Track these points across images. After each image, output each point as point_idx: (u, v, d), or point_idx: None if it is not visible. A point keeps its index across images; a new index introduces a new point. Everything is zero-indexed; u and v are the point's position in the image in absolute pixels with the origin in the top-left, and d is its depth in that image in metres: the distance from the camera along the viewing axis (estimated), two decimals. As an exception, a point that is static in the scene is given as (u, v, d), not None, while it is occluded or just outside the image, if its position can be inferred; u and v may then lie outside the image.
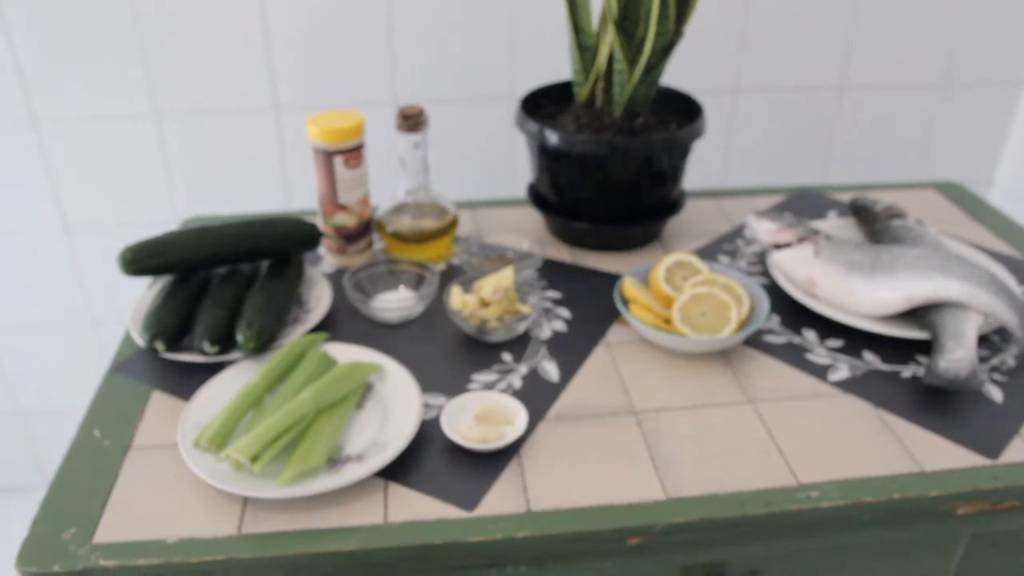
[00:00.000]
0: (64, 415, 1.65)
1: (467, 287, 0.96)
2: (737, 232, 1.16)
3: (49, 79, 1.36)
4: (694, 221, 1.19)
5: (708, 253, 1.11)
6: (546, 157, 1.06)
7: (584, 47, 1.03)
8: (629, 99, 1.03)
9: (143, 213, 1.49)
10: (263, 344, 0.88)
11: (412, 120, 1.00)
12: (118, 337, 1.52)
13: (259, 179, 1.48)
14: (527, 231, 1.12)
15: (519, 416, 0.81)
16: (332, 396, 0.80)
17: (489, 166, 1.49)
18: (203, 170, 1.46)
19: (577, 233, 1.09)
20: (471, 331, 0.92)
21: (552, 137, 1.02)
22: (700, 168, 1.53)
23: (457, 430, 0.79)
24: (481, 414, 0.81)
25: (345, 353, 0.89)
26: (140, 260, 0.91)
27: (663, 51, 0.99)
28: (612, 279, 1.04)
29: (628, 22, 1.00)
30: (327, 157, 0.99)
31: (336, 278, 1.04)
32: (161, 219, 1.49)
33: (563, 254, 1.11)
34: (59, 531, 0.72)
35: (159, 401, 0.86)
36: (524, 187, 1.16)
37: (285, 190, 1.50)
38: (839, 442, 0.81)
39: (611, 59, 1.02)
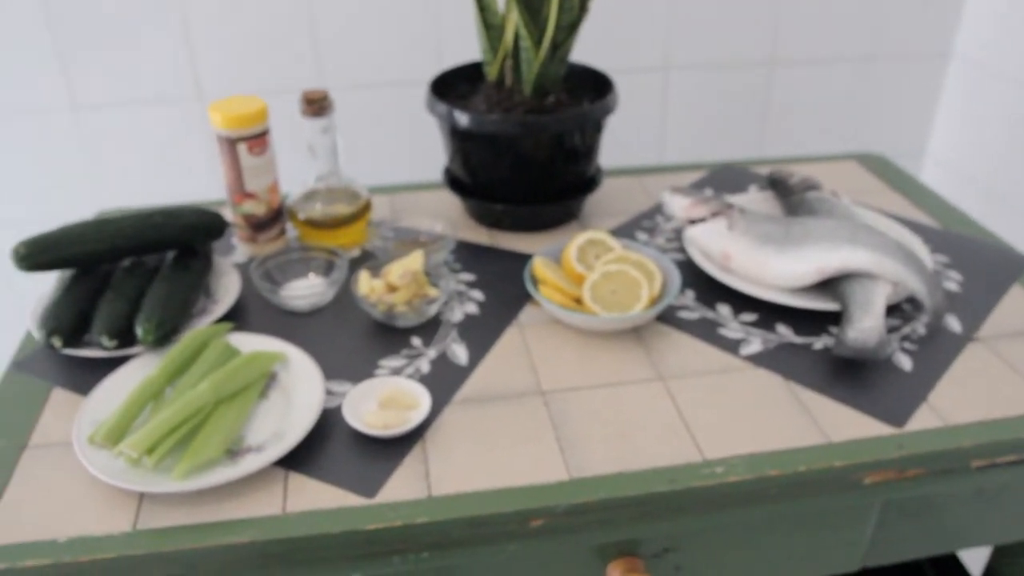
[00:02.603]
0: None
1: (376, 272, 0.95)
2: (656, 209, 1.15)
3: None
4: (614, 199, 1.18)
5: (626, 231, 1.10)
6: (457, 139, 1.04)
7: (490, 25, 1.02)
8: (538, 77, 1.02)
9: (66, 208, 1.45)
10: (163, 336, 0.86)
11: (316, 105, 0.99)
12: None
13: (185, 170, 1.45)
14: (444, 214, 1.11)
15: (423, 401, 0.80)
16: (232, 386, 0.79)
17: (415, 150, 1.47)
18: (127, 162, 1.43)
19: (494, 215, 1.08)
20: (380, 316, 0.91)
21: (461, 118, 1.00)
22: (635, 147, 1.52)
23: (359, 417, 0.78)
24: (385, 400, 0.80)
25: (250, 343, 0.87)
26: (34, 255, 0.88)
27: (569, 28, 0.98)
28: (527, 260, 1.03)
29: (533, -1, 0.99)
30: (231, 144, 0.97)
31: (247, 268, 1.02)
32: (84, 214, 1.46)
33: (481, 236, 1.09)
34: (-54, 537, 0.70)
35: (59, 398, 0.84)
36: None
37: (214, 179, 1.47)
38: (747, 416, 0.80)
39: (517, 37, 1.01)
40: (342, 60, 1.39)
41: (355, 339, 0.90)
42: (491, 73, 1.05)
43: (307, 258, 1.00)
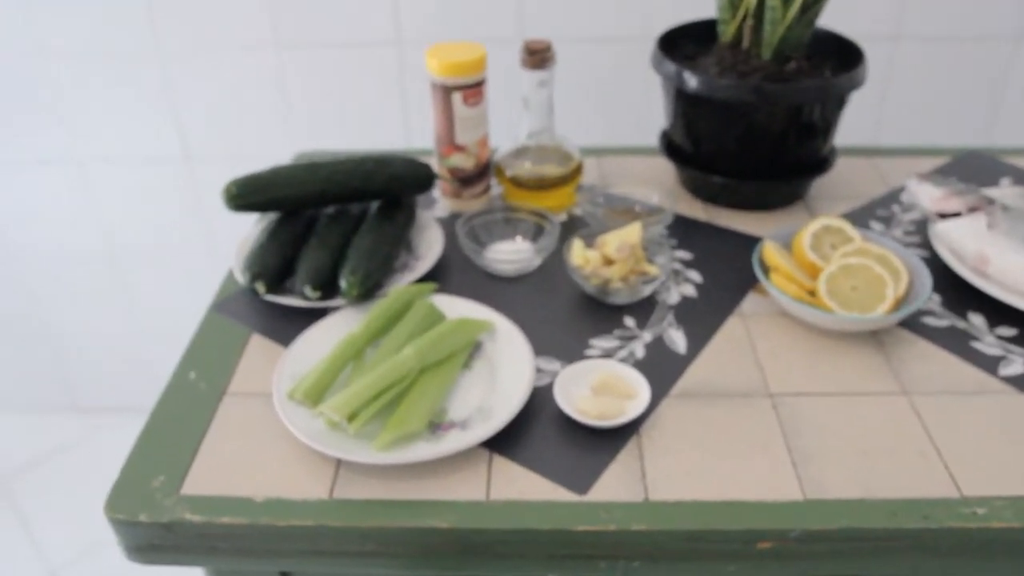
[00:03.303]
0: (180, 341, 1.66)
1: (590, 242, 0.88)
2: (893, 196, 1.03)
3: (174, 10, 1.33)
4: (844, 181, 1.07)
5: (859, 218, 0.99)
6: (683, 102, 0.96)
7: (734, -21, 0.92)
8: (781, 41, 0.91)
9: (261, 145, 1.45)
10: (367, 292, 0.82)
11: (538, 56, 0.92)
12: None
13: (378, 116, 1.43)
14: (657, 183, 1.02)
15: (641, 391, 0.72)
16: (437, 354, 0.74)
17: (620, 111, 1.39)
18: (322, 104, 1.42)
19: (713, 188, 0.99)
20: (592, 291, 0.84)
21: (691, 80, 0.91)
22: (849, 122, 1.39)
23: (571, 402, 0.71)
24: (599, 385, 0.73)
25: (454, 306, 0.82)
26: (245, 195, 0.86)
27: (827, -13, 0.87)
28: (750, 241, 0.94)
29: (788, -48, 0.88)
30: (445, 93, 0.92)
31: (449, 223, 0.97)
32: (278, 152, 1.45)
33: (696, 211, 1.01)
34: (148, 478, 0.68)
35: (258, 345, 0.82)
36: (657, 135, 1.06)
37: (404, 129, 1.44)
38: (1012, 450, 0.69)
39: (765, -5, 0.91)
40: (546, 12, 1.32)
41: (562, 313, 0.84)
42: (726, 33, 0.96)
43: (514, 219, 0.94)
